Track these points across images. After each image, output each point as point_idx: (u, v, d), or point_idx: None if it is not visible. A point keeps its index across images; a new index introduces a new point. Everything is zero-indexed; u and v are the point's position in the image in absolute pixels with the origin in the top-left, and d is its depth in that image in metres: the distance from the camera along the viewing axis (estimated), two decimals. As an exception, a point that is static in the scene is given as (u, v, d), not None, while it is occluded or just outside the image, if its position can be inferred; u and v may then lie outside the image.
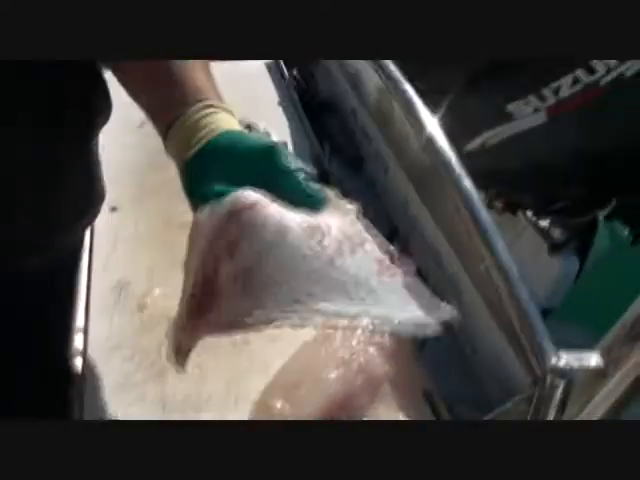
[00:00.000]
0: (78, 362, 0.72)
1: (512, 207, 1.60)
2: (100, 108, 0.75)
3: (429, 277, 0.85)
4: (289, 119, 1.10)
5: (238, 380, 0.70)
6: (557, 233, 1.63)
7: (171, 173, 0.98)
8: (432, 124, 0.83)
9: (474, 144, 1.45)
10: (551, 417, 0.62)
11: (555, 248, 1.61)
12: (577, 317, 1.58)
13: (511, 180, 1.49)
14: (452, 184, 0.75)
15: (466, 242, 0.73)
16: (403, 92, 0.87)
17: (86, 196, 0.80)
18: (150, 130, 1.09)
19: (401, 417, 0.68)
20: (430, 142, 0.80)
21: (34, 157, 0.68)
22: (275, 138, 1.04)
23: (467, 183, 0.75)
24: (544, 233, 1.64)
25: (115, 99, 0.73)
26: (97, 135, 0.79)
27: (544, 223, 1.66)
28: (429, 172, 0.80)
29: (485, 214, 0.71)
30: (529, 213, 1.66)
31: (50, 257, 0.77)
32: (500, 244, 0.69)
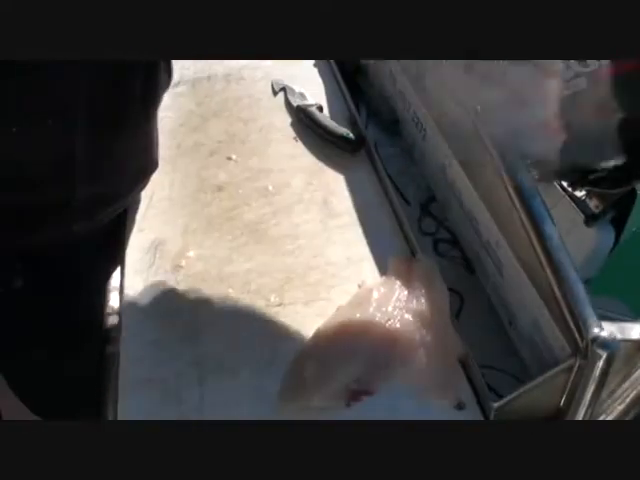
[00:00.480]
0: (114, 320, 0.72)
1: (547, 176, 1.57)
2: (163, 78, 0.76)
3: (466, 245, 0.84)
4: (325, 81, 1.08)
5: (272, 343, 0.70)
6: (593, 204, 1.60)
7: (206, 134, 0.97)
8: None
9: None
10: (591, 389, 0.61)
11: (591, 219, 1.58)
12: (612, 290, 1.56)
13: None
14: (493, 147, 0.73)
15: (506, 208, 0.71)
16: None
17: (144, 164, 0.82)
18: (185, 90, 1.08)
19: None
20: (472, 104, 0.77)
21: (97, 126, 0.70)
22: (310, 100, 1.02)
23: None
24: (580, 204, 1.60)
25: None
26: (158, 104, 0.80)
27: (580, 193, 1.62)
28: (470, 137, 0.77)
29: (528, 179, 0.69)
30: (565, 183, 1.63)
31: (102, 221, 0.78)
32: (542, 210, 0.67)
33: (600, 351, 0.58)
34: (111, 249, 0.81)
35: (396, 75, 1.02)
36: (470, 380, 0.67)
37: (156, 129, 0.84)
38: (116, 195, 0.79)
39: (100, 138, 0.72)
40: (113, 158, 0.76)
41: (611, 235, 1.62)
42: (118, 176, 0.78)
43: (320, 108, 1.00)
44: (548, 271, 0.64)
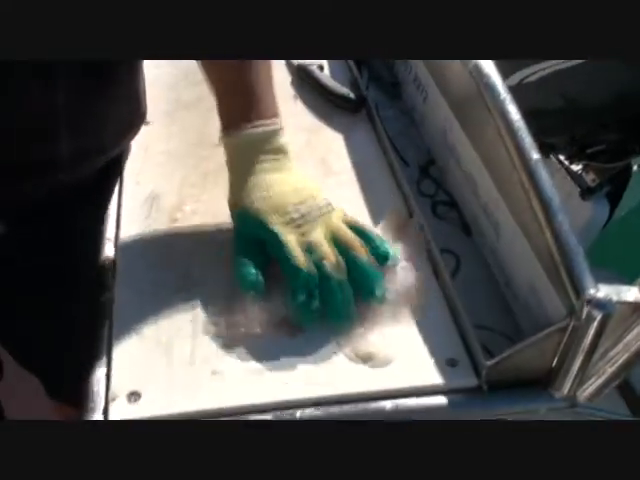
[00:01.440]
0: (109, 270, 0.72)
1: (545, 149, 1.56)
2: None
3: (465, 207, 0.84)
4: (326, 41, 1.06)
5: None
6: (589, 178, 1.60)
7: (205, 89, 0.96)
8: (478, 48, 0.79)
9: (512, 81, 1.41)
10: (584, 350, 0.61)
11: (587, 193, 1.59)
12: (604, 262, 1.56)
13: (546, 121, 1.45)
14: (496, 109, 0.72)
15: (506, 169, 0.70)
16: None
17: (130, 117, 0.81)
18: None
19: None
20: (475, 65, 0.77)
21: (78, 79, 0.69)
22: (311, 60, 1.01)
23: (512, 108, 0.72)
24: (576, 177, 1.61)
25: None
26: None
27: (577, 167, 1.62)
28: (472, 98, 0.77)
29: (529, 141, 0.69)
30: (562, 156, 1.63)
31: (88, 172, 0.78)
32: (543, 173, 0.67)
33: (595, 312, 0.58)
34: (102, 196, 0.80)
35: (399, 36, 1.01)
36: (463, 338, 0.68)
37: (142, 81, 0.83)
38: (101, 148, 0.78)
39: (82, 92, 0.71)
40: (96, 112, 0.75)
41: (606, 209, 1.63)
42: (102, 130, 0.77)
43: (321, 67, 0.99)
44: (547, 233, 0.64)
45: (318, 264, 0.66)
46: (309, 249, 0.67)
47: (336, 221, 0.70)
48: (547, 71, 1.40)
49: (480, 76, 0.75)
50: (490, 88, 0.74)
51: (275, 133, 0.71)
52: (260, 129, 0.70)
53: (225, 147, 0.72)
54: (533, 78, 1.43)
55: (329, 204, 0.72)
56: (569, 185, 1.62)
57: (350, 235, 0.69)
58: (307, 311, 0.65)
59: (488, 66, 0.77)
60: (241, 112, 0.70)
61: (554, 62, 1.38)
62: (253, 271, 0.67)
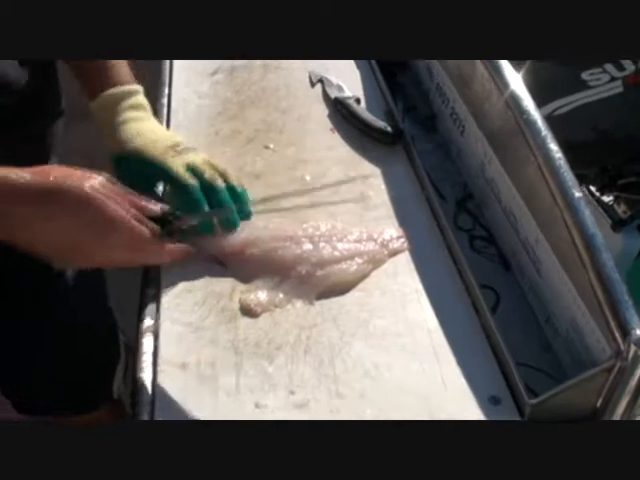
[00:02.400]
0: (153, 302, 0.73)
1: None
2: None
3: (503, 242, 0.84)
4: (362, 73, 1.08)
5: (309, 330, 0.70)
6: (621, 209, 1.59)
7: (243, 123, 0.98)
8: (517, 82, 0.80)
9: (543, 111, 1.41)
10: (630, 391, 0.60)
11: (618, 225, 1.57)
12: (637, 296, 1.55)
13: (577, 152, 1.45)
14: (537, 146, 0.73)
15: (547, 206, 0.70)
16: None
17: None
18: (222, 78, 1.09)
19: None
20: (515, 100, 0.77)
21: None
22: (348, 93, 1.02)
23: (553, 146, 0.72)
24: (607, 209, 1.60)
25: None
26: None
27: (608, 198, 1.61)
28: (511, 133, 0.77)
29: (572, 178, 0.69)
30: (593, 187, 1.62)
31: None
32: (585, 209, 0.67)
33: (642, 352, 0.58)
34: None
35: (433, 68, 1.02)
36: (505, 376, 0.67)
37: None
38: None
39: None
40: None
41: (638, 241, 1.61)
42: None
43: (358, 100, 1.00)
44: (590, 270, 0.63)
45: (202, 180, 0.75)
46: (191, 170, 0.76)
47: (203, 156, 0.79)
48: (578, 103, 1.39)
49: (520, 112, 0.76)
50: (530, 125, 0.74)
51: (136, 92, 0.80)
52: (124, 88, 0.80)
53: (96, 111, 0.80)
54: (564, 110, 1.42)
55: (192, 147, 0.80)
56: (600, 217, 1.61)
57: (219, 169, 0.78)
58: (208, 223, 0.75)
59: (526, 100, 0.78)
60: (105, 81, 0.79)
61: (585, 94, 1.38)
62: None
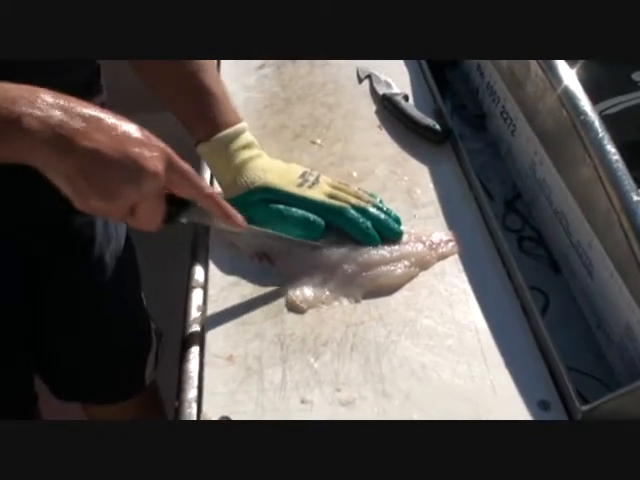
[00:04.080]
0: (200, 296, 0.73)
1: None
2: None
3: (553, 244, 0.82)
4: (410, 70, 1.06)
5: (355, 330, 0.69)
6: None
7: (290, 117, 0.98)
8: (573, 81, 0.79)
9: (592, 112, 1.39)
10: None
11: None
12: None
13: (624, 153, 1.42)
14: (593, 148, 0.71)
15: (603, 209, 0.69)
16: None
17: None
18: (270, 72, 1.09)
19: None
20: (570, 100, 0.76)
21: None
22: (396, 89, 1.02)
23: (610, 148, 0.71)
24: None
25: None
26: None
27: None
28: (566, 133, 0.76)
29: (630, 182, 0.67)
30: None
31: None
32: (643, 213, 0.65)
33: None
34: None
35: (484, 68, 1.00)
36: (555, 380, 0.66)
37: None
38: None
39: None
40: None
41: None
42: None
43: (406, 97, 0.99)
44: (647, 276, 0.62)
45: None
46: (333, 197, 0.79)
47: (330, 181, 0.81)
48: (628, 104, 1.37)
49: (576, 112, 0.74)
50: (587, 125, 0.73)
51: (243, 130, 0.80)
52: (231, 130, 0.79)
53: (207, 155, 0.81)
54: (613, 110, 1.39)
55: (314, 170, 0.81)
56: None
57: (349, 189, 0.80)
58: (372, 234, 0.76)
59: (583, 100, 0.76)
60: (212, 123, 0.79)
61: (635, 95, 1.35)
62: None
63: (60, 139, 0.55)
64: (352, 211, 0.77)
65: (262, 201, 0.77)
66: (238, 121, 0.80)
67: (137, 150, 0.58)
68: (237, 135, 0.79)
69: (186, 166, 0.63)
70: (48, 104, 0.56)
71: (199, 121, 0.78)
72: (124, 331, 0.99)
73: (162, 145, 0.61)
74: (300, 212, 0.76)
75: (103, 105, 0.84)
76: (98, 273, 0.92)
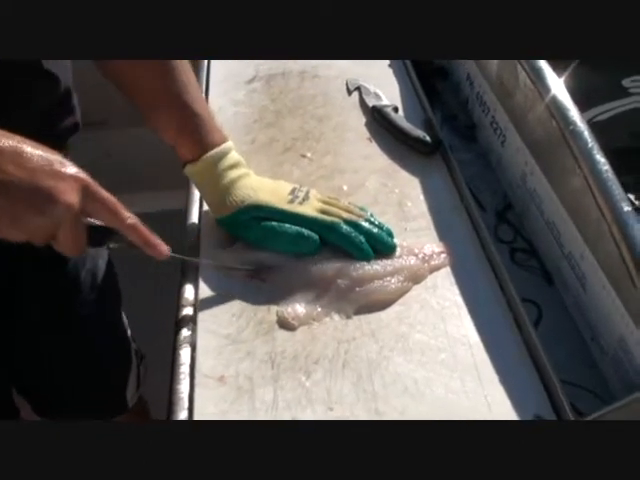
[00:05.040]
0: (190, 314, 0.72)
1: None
2: None
3: (545, 256, 0.82)
4: (400, 82, 1.06)
5: (346, 346, 0.69)
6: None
7: (280, 131, 0.97)
8: (561, 92, 0.78)
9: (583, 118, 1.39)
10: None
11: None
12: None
13: (614, 160, 1.42)
14: (583, 158, 0.71)
15: (594, 220, 0.69)
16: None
17: None
18: (259, 86, 1.08)
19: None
20: (560, 110, 0.75)
21: None
22: (386, 101, 1.01)
23: (600, 157, 0.70)
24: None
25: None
26: None
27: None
28: (555, 143, 0.75)
29: (620, 192, 0.67)
30: (632, 196, 1.58)
31: None
32: (636, 225, 0.65)
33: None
34: None
35: (474, 78, 1.00)
36: (549, 393, 0.65)
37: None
38: None
39: None
40: None
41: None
42: None
43: (395, 109, 0.99)
44: (640, 287, 0.61)
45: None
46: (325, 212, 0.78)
47: (320, 197, 0.81)
48: (618, 110, 1.37)
49: (565, 123, 0.74)
50: (577, 135, 0.72)
51: (229, 149, 0.80)
52: (218, 150, 0.78)
53: (194, 176, 0.80)
54: (604, 117, 1.40)
55: (303, 186, 0.82)
56: None
57: (340, 204, 0.81)
58: (365, 248, 0.76)
59: (572, 110, 0.76)
60: (199, 144, 0.78)
61: (626, 101, 1.35)
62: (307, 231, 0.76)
63: None
64: (345, 226, 0.77)
65: (254, 219, 0.77)
66: (224, 140, 0.80)
67: (51, 183, 0.58)
68: (224, 155, 0.78)
69: (105, 195, 0.62)
70: None
71: (185, 143, 0.78)
72: (102, 351, 0.98)
73: (81, 175, 0.60)
74: (294, 228, 0.76)
75: (76, 125, 0.84)
76: (74, 291, 0.91)
